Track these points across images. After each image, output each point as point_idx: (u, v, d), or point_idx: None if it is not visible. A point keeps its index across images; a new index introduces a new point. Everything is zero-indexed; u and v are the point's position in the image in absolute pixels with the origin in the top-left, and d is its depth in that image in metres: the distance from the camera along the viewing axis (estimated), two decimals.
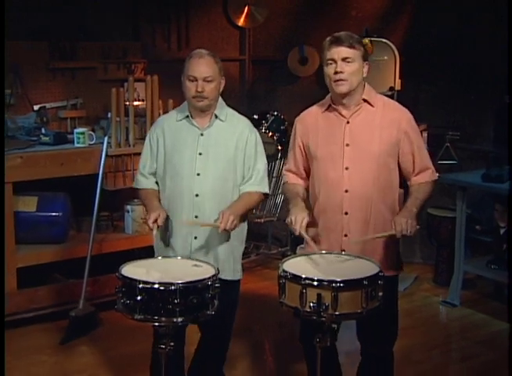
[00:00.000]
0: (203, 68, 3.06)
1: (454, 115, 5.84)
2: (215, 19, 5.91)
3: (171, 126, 3.20)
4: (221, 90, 3.18)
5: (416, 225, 2.84)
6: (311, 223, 3.01)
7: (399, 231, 2.81)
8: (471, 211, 5.11)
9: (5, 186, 4.22)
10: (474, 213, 5.22)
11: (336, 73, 2.88)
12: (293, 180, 3.18)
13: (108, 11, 5.26)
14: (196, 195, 3.11)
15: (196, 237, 3.14)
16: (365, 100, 2.99)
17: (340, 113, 2.99)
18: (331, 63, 2.90)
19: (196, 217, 3.13)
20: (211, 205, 3.11)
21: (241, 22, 5.97)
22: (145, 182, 3.24)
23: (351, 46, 2.88)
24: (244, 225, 3.25)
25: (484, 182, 4.66)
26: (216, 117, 3.16)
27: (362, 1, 6.20)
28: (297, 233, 2.88)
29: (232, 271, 3.16)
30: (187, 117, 3.17)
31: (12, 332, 4.28)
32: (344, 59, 2.88)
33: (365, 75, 2.97)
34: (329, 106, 3.02)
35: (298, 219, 2.86)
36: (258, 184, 3.19)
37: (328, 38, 2.94)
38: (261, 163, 3.21)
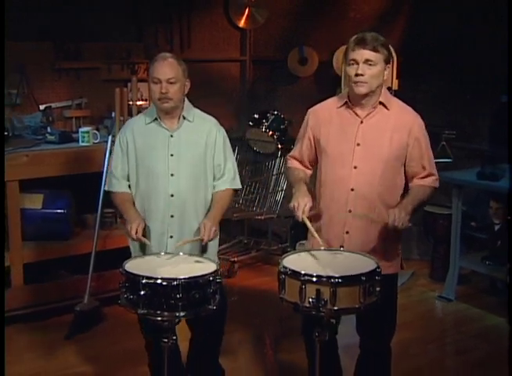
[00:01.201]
0: (166, 70, 3.07)
1: (451, 114, 5.84)
2: (216, 21, 5.91)
3: (140, 129, 3.21)
4: (186, 92, 3.19)
5: (409, 222, 2.83)
6: (315, 217, 3.02)
7: (392, 221, 2.80)
8: (467, 209, 5.11)
9: (11, 184, 4.23)
10: (469, 210, 5.23)
11: (357, 75, 2.86)
12: (297, 165, 3.18)
13: (112, 13, 5.26)
14: (172, 195, 3.14)
15: (171, 236, 3.16)
16: (381, 103, 2.98)
17: (356, 113, 2.98)
18: (353, 64, 2.88)
19: (172, 216, 3.15)
20: (186, 204, 3.15)
21: (242, 23, 5.97)
22: (117, 185, 3.23)
23: (374, 49, 2.85)
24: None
25: (480, 180, 4.67)
26: (184, 118, 3.18)
27: (360, 2, 6.20)
28: (300, 220, 2.88)
29: None
30: (156, 119, 3.18)
31: (18, 327, 4.31)
32: (366, 62, 2.85)
33: (385, 78, 2.94)
34: (346, 103, 3.01)
35: (301, 205, 2.86)
36: (230, 182, 3.24)
37: (354, 37, 2.90)
38: (231, 160, 3.27)
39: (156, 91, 3.08)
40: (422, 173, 3.03)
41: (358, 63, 2.86)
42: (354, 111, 2.99)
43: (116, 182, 3.24)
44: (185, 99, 3.22)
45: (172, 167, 3.14)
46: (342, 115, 3.01)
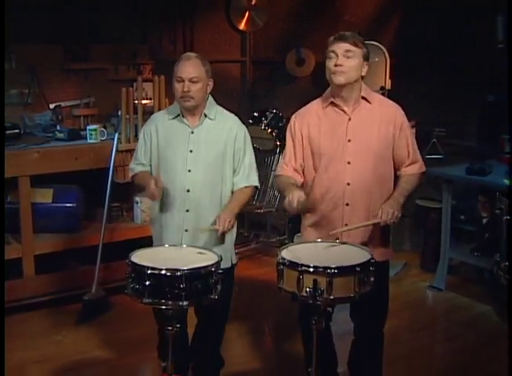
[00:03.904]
0: (189, 69, 3.04)
1: (441, 113, 5.83)
2: (218, 23, 5.90)
3: (164, 124, 3.19)
4: (208, 91, 3.14)
5: (399, 215, 2.86)
6: (309, 210, 3.01)
7: (384, 221, 2.83)
8: (456, 202, 5.11)
9: (22, 179, 4.22)
10: (458, 204, 5.22)
11: (336, 65, 2.86)
12: (289, 173, 3.09)
13: (118, 16, 5.25)
14: (188, 190, 3.11)
15: (186, 230, 3.13)
16: (363, 97, 2.98)
17: (342, 110, 2.97)
18: (332, 57, 2.88)
19: (187, 211, 3.12)
20: (202, 199, 3.12)
21: (242, 26, 5.96)
22: (140, 167, 3.23)
23: (354, 43, 2.87)
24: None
25: (468, 176, 4.66)
26: (205, 115, 3.14)
27: (354, 6, 6.18)
28: (294, 206, 2.82)
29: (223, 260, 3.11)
30: (178, 115, 3.16)
31: (29, 315, 4.32)
32: (345, 54, 2.85)
33: (363, 74, 2.94)
34: (331, 102, 2.99)
35: (295, 196, 2.82)
36: (246, 178, 3.17)
37: (333, 36, 2.91)
38: (249, 157, 3.20)
39: (178, 89, 3.05)
40: (407, 160, 3.04)
41: (337, 55, 2.87)
42: (340, 109, 2.98)
43: (139, 166, 3.23)
44: (209, 97, 3.18)
45: (190, 163, 3.10)
46: (330, 114, 3.00)
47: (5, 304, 4.14)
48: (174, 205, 3.14)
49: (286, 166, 3.11)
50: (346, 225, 2.98)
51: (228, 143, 3.15)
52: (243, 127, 3.23)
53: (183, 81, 3.03)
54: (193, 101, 3.06)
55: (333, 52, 2.88)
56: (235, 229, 3.26)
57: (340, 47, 2.86)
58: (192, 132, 3.13)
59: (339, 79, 2.88)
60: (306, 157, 3.06)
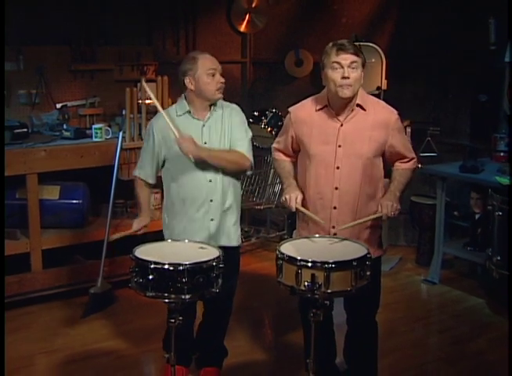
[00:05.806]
0: (216, 62, 3.14)
1: (435, 112, 5.81)
2: (220, 26, 5.89)
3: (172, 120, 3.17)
4: None
5: (399, 207, 2.85)
6: (305, 208, 2.99)
7: (385, 214, 2.82)
8: (450, 199, 5.10)
9: (30, 177, 4.22)
10: (452, 200, 5.21)
11: (343, 78, 2.79)
12: (283, 157, 3.16)
13: (123, 18, 5.24)
14: (210, 181, 3.14)
15: (212, 219, 3.18)
16: (358, 105, 2.92)
17: (335, 116, 2.92)
18: (337, 68, 2.79)
19: (211, 201, 3.16)
20: (224, 188, 3.17)
21: (243, 28, 5.94)
22: (143, 173, 3.25)
23: (356, 53, 2.80)
24: (238, 198, 3.30)
25: (462, 173, 4.65)
26: (213, 108, 3.19)
27: (351, 9, 6.15)
28: (293, 210, 2.89)
29: (237, 237, 3.27)
30: (187, 112, 3.17)
31: (38, 307, 4.32)
32: (350, 65, 2.78)
33: (361, 82, 2.89)
34: (325, 106, 2.94)
35: (293, 197, 2.87)
36: (242, 148, 3.20)
37: (332, 44, 2.83)
38: (247, 138, 3.23)
39: (213, 82, 3.11)
40: (404, 159, 3.04)
41: (343, 67, 2.79)
42: (333, 114, 2.92)
43: (142, 170, 3.27)
44: None
45: None
46: (322, 118, 2.94)
47: (13, 297, 4.16)
48: (198, 198, 3.16)
49: (279, 151, 3.17)
50: (333, 227, 2.95)
51: (230, 125, 3.20)
52: (240, 112, 3.27)
53: (216, 73, 3.12)
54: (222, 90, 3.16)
55: (337, 63, 2.79)
56: (238, 212, 3.29)
57: (346, 58, 2.78)
58: (204, 125, 3.16)
59: (346, 93, 2.81)
60: (297, 146, 3.08)
